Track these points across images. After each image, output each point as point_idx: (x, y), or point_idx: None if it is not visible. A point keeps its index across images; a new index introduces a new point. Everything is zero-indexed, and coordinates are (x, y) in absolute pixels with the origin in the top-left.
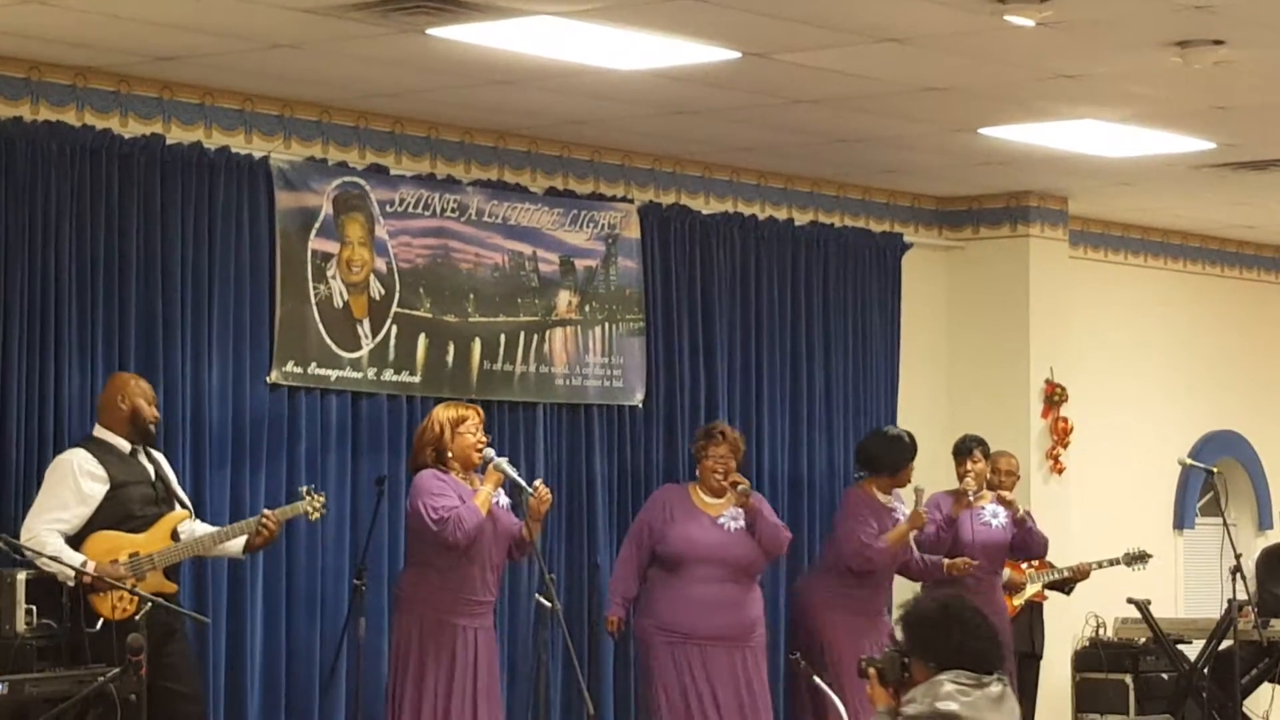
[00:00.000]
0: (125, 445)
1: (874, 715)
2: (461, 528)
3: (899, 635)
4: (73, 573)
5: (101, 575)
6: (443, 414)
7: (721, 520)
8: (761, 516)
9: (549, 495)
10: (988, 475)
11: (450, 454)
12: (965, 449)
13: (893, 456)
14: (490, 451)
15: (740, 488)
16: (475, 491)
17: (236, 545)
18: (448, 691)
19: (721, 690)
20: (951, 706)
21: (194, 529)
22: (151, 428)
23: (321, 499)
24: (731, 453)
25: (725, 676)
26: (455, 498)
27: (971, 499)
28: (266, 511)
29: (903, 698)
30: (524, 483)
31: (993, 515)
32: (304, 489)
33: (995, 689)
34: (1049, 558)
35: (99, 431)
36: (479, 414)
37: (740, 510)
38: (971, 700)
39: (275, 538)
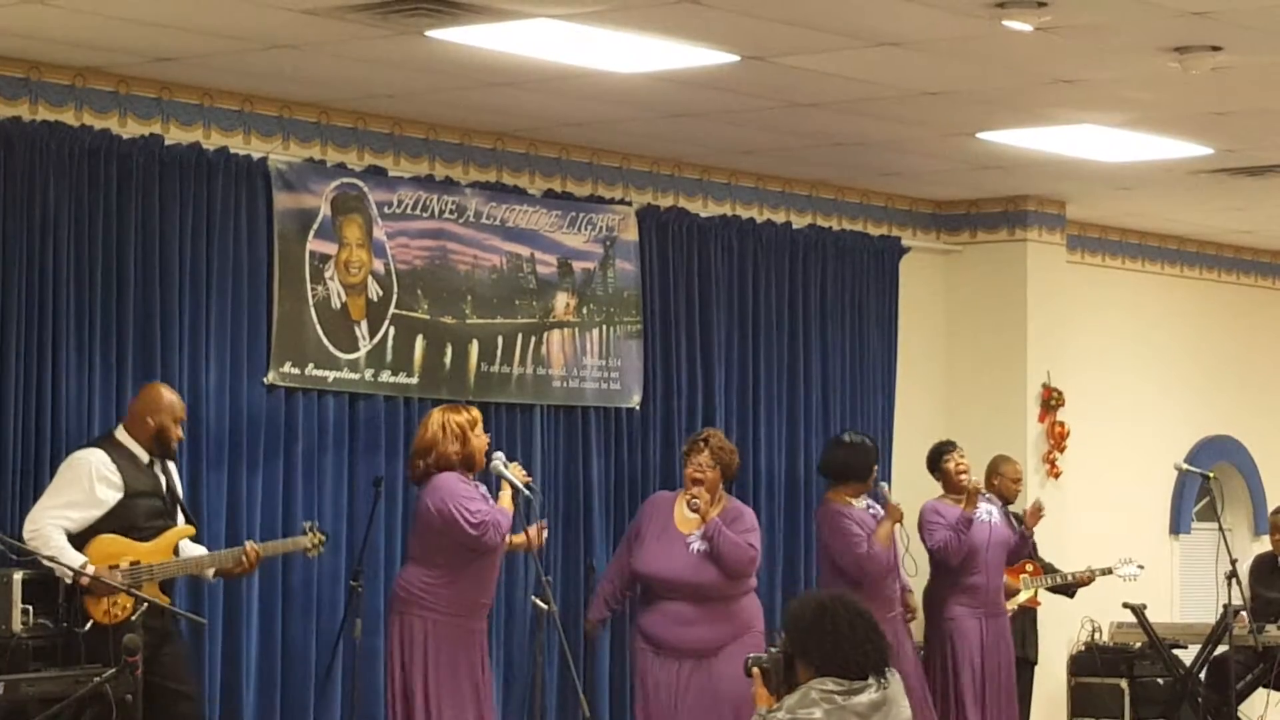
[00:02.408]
0: (144, 455)
1: (754, 715)
2: (499, 531)
3: (782, 635)
4: (70, 572)
5: (98, 579)
6: (456, 417)
7: (690, 541)
8: (719, 537)
9: (545, 535)
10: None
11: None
12: (946, 450)
13: (863, 462)
14: (501, 456)
15: (694, 504)
16: (486, 495)
17: (209, 571)
18: (474, 694)
19: (692, 701)
20: (814, 714)
21: (189, 547)
22: (173, 446)
23: (322, 537)
24: (714, 460)
25: (696, 688)
26: (483, 501)
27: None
28: (252, 545)
29: (777, 703)
30: (527, 490)
31: (987, 514)
32: (306, 524)
33: (868, 696)
34: (1049, 561)
35: (121, 435)
36: (478, 414)
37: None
38: (837, 708)
39: (251, 571)
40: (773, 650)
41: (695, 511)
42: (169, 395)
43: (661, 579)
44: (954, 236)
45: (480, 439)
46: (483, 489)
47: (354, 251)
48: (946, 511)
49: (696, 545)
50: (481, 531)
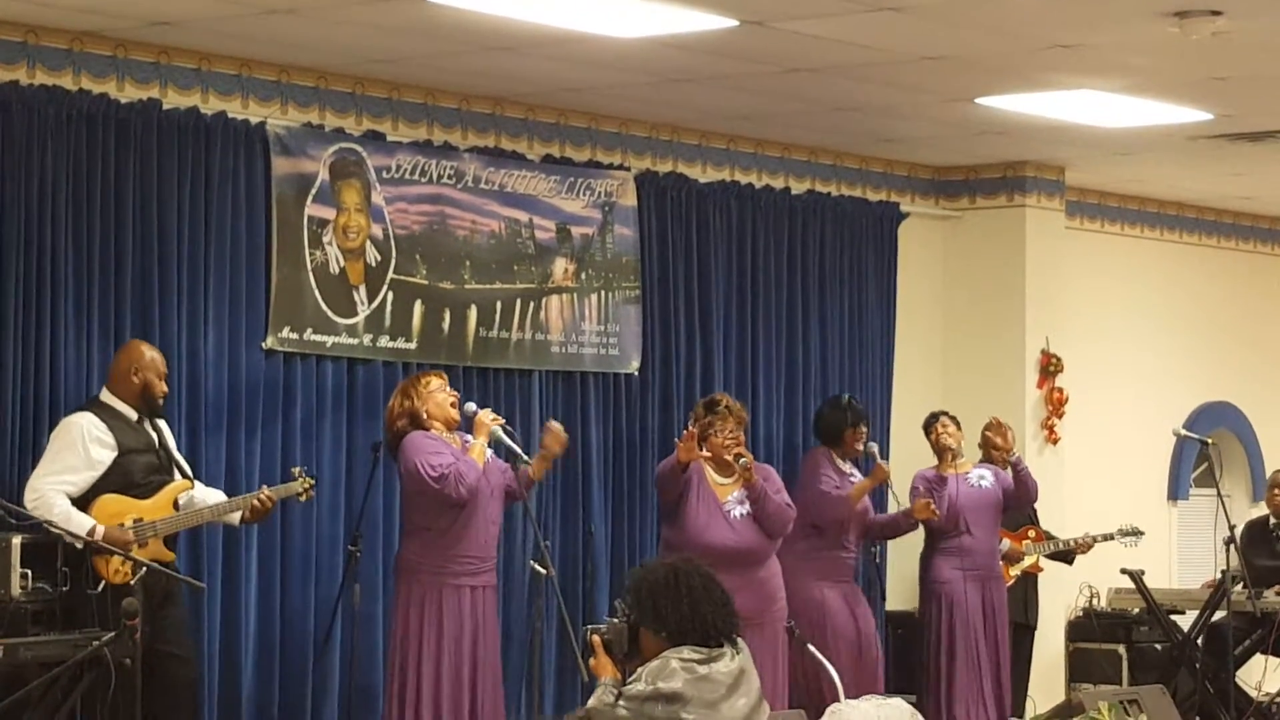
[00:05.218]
0: (132, 413)
1: (599, 687)
2: (464, 482)
3: (626, 604)
4: (80, 539)
5: (110, 541)
6: (405, 387)
7: (728, 506)
8: (766, 498)
9: (564, 434)
10: (960, 441)
11: (427, 415)
12: (931, 421)
13: (834, 422)
14: (471, 405)
15: (742, 461)
16: (463, 448)
17: (234, 515)
18: (455, 651)
19: None
20: (675, 685)
21: (193, 498)
22: (160, 401)
23: (311, 481)
24: (738, 424)
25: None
26: (450, 454)
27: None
28: (265, 489)
29: (632, 673)
30: (517, 447)
31: (979, 478)
32: (296, 469)
33: (726, 664)
34: (1047, 528)
35: (106, 397)
36: (441, 375)
37: (746, 491)
38: (697, 678)
39: (270, 514)
40: (613, 620)
41: (747, 472)
42: (149, 351)
43: (710, 546)
44: (953, 202)
45: (435, 395)
46: (455, 447)
47: (352, 216)
48: (929, 475)
49: (737, 510)
50: (442, 484)
